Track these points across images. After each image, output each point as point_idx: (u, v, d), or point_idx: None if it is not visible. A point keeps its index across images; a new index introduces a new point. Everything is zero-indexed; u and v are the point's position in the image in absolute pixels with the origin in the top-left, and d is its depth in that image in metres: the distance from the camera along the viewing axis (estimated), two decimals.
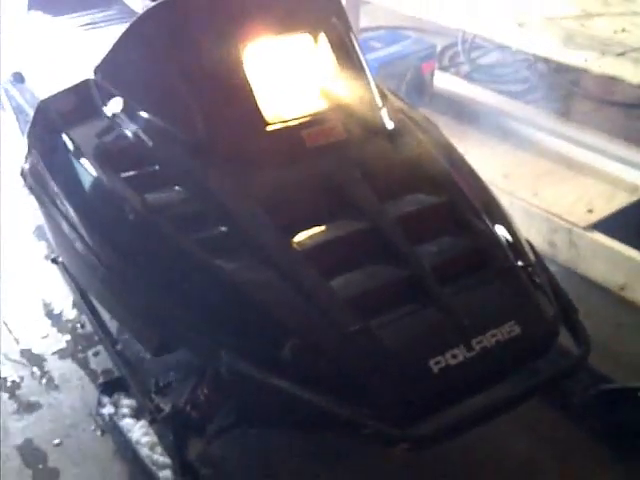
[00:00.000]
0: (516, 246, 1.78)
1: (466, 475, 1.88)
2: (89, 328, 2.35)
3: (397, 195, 1.78)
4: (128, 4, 3.33)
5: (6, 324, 2.42)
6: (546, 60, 3.90)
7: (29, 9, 3.00)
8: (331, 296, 1.55)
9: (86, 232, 1.89)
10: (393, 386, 1.50)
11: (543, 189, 2.65)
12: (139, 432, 1.90)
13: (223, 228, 1.66)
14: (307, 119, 1.79)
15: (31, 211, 2.89)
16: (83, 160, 1.87)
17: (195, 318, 1.66)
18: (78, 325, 2.40)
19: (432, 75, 3.33)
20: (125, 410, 1.97)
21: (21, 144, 2.92)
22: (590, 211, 2.54)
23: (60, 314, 2.45)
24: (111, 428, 1.97)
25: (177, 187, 1.74)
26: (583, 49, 2.19)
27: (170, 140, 1.78)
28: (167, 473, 1.80)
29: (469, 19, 2.42)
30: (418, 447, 1.50)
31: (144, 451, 1.85)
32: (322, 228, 1.69)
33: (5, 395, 2.14)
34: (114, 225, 1.79)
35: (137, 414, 1.95)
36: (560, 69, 3.92)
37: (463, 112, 3.16)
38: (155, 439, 1.87)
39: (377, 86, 1.96)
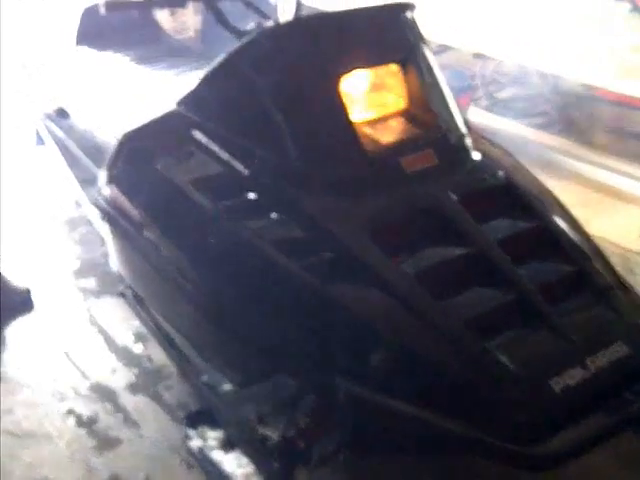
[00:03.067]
0: (608, 268, 1.81)
1: None
2: (157, 362, 2.34)
3: (490, 219, 1.80)
4: (177, 39, 3.38)
5: (69, 356, 2.38)
6: (562, 93, 4.00)
7: (77, 44, 3.02)
8: (450, 317, 1.56)
9: (177, 262, 1.90)
10: (518, 407, 1.50)
11: (593, 218, 2.70)
12: (233, 464, 1.87)
13: (330, 254, 1.67)
14: (403, 146, 1.82)
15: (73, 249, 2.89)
16: (176, 191, 1.88)
17: (305, 345, 1.66)
18: (145, 359, 2.37)
19: (467, 108, 3.39)
20: (213, 442, 1.94)
21: (64, 177, 2.95)
22: None
23: (125, 348, 2.43)
24: (202, 461, 1.94)
25: (277, 215, 1.75)
26: None
27: (267, 169, 1.80)
28: None
29: (527, 51, 2.47)
30: (546, 467, 1.50)
31: None
32: (427, 252, 1.70)
33: (83, 431, 2.11)
34: (214, 254, 1.80)
35: (226, 446, 1.93)
36: (576, 103, 4.02)
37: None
38: (250, 470, 1.85)
39: (462, 114, 1.99)
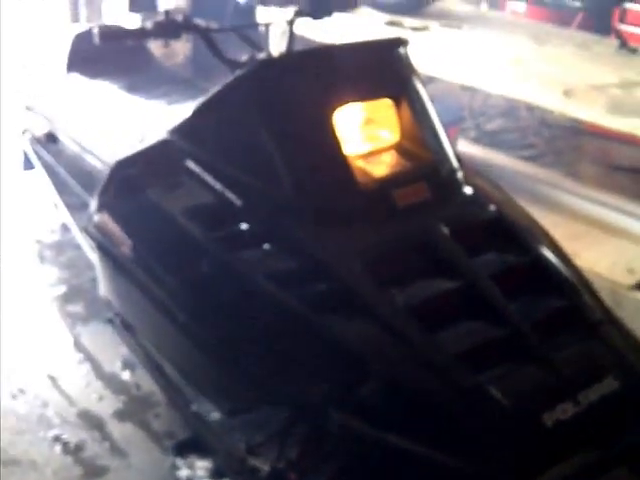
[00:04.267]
0: (599, 303, 1.83)
1: None
2: (145, 390, 2.33)
3: (482, 253, 1.82)
4: (166, 65, 3.39)
5: (56, 383, 2.37)
6: (549, 126, 4.06)
7: (68, 69, 3.03)
8: (441, 351, 1.57)
9: (167, 290, 1.90)
10: (509, 441, 1.51)
11: (581, 251, 2.72)
12: None
13: (322, 285, 1.68)
14: (395, 180, 1.83)
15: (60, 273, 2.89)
16: (168, 219, 1.89)
17: (296, 375, 1.66)
18: (133, 387, 2.36)
19: (457, 140, 3.42)
20: (202, 472, 1.94)
21: (52, 202, 2.94)
22: (631, 271, 2.62)
23: (113, 375, 2.42)
24: None
25: (269, 246, 1.76)
26: (630, 116, 2.28)
27: (260, 200, 1.81)
28: None
29: (515, 86, 2.51)
30: None
31: None
32: (418, 285, 1.70)
33: (69, 459, 2.09)
34: (205, 284, 1.80)
35: (215, 475, 1.92)
36: (563, 135, 4.07)
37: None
38: None
39: (453, 147, 2.01)
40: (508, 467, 1.49)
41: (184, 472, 1.93)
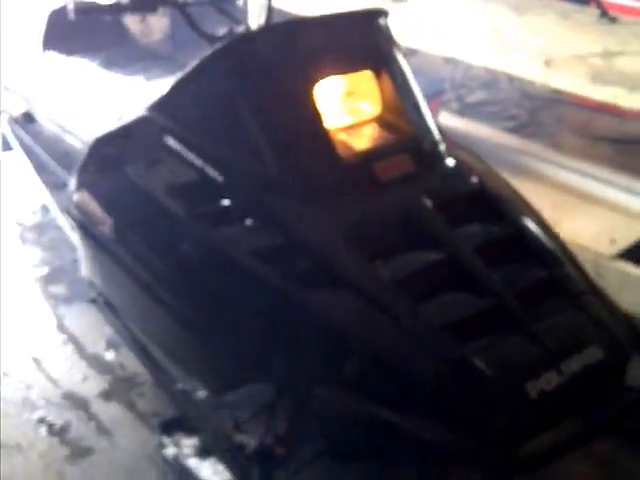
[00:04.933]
0: (582, 273, 1.83)
1: None
2: (129, 369, 2.32)
3: (464, 225, 1.80)
4: (141, 43, 3.35)
5: (40, 364, 2.36)
6: (531, 97, 4.05)
7: (44, 49, 2.98)
8: (425, 322, 1.57)
9: (150, 269, 1.88)
10: (492, 411, 1.51)
11: (563, 221, 2.72)
12: (208, 471, 1.86)
13: (305, 260, 1.67)
14: (377, 153, 1.82)
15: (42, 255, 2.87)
16: (148, 197, 1.87)
17: (281, 351, 1.65)
18: (117, 366, 2.35)
19: (438, 112, 3.41)
20: (188, 449, 1.93)
21: (32, 183, 2.91)
22: (613, 241, 2.62)
23: (97, 355, 2.41)
24: (177, 469, 1.92)
25: (251, 222, 1.75)
26: (611, 85, 2.28)
27: (242, 176, 1.79)
28: None
29: (495, 57, 2.50)
30: (521, 471, 1.51)
31: None
32: (402, 258, 1.69)
33: (55, 440, 2.08)
34: (187, 262, 1.79)
35: (202, 453, 1.91)
36: (545, 106, 4.06)
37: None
38: (226, 477, 1.84)
39: (435, 120, 2.00)
40: (492, 438, 1.49)
41: (171, 450, 1.92)
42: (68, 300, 2.70)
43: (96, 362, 2.39)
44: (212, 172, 1.81)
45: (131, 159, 1.96)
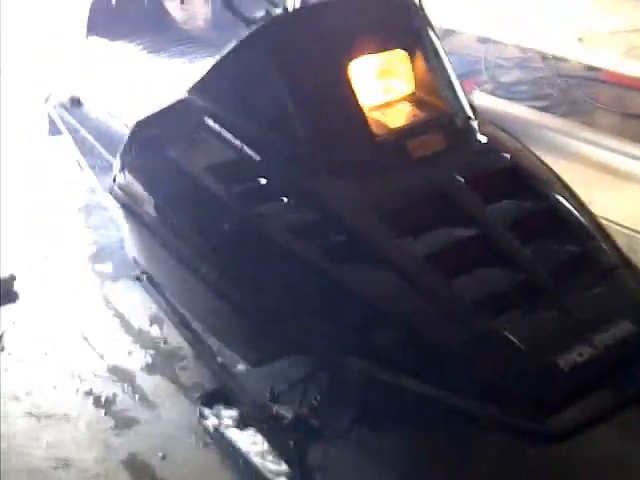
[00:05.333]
0: (614, 248, 1.84)
1: None
2: (172, 344, 2.39)
3: (497, 201, 1.82)
4: (182, 28, 3.41)
5: (87, 339, 2.44)
6: (565, 76, 4.01)
7: (88, 36, 3.06)
8: (458, 296, 1.60)
9: (191, 246, 1.95)
10: (526, 383, 1.53)
11: (597, 197, 2.72)
12: (247, 441, 1.93)
13: (340, 236, 1.72)
14: (410, 130, 1.86)
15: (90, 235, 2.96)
16: (189, 177, 1.93)
17: (317, 324, 1.70)
18: (161, 341, 2.43)
19: (472, 92, 3.41)
20: (228, 421, 1.99)
21: (78, 166, 3.00)
22: None
23: (141, 330, 2.49)
24: (217, 439, 1.99)
25: (288, 199, 1.79)
26: None
27: (278, 154, 1.84)
28: None
29: (528, 35, 2.50)
30: (553, 441, 1.54)
31: (256, 460, 1.88)
32: (435, 234, 1.73)
33: (101, 411, 2.17)
34: (228, 239, 1.84)
35: (241, 424, 1.98)
36: (579, 84, 4.03)
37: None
38: (265, 447, 1.90)
39: (467, 98, 2.03)
40: (526, 409, 1.51)
41: (211, 421, 1.99)
42: (114, 278, 2.77)
43: (140, 337, 2.46)
44: (249, 151, 1.87)
45: (172, 140, 2.02)
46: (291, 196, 1.79)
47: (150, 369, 2.32)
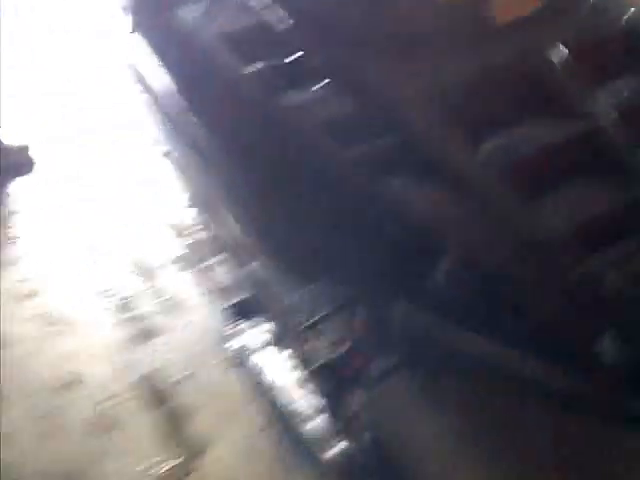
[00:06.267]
0: None
1: None
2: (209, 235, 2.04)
3: (612, 80, 1.35)
4: None
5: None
6: None
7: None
8: (539, 226, 1.21)
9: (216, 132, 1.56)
10: (620, 352, 1.15)
11: None
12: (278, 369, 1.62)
13: (390, 137, 1.29)
14: None
15: None
16: (201, 45, 1.50)
17: (361, 254, 1.33)
18: (198, 228, 2.07)
19: None
20: (258, 340, 1.68)
21: None
22: None
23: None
24: (244, 360, 1.69)
25: (326, 84, 1.35)
26: None
27: (316, 20, 1.39)
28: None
29: None
30: None
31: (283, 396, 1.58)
32: (519, 133, 1.29)
33: (121, 316, 1.88)
34: (251, 134, 1.44)
35: (270, 343, 1.67)
36: None
37: None
38: (296, 377, 1.59)
39: None
40: (612, 381, 1.15)
41: (237, 342, 1.68)
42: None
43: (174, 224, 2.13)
44: (278, 16, 1.41)
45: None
46: (331, 79, 1.35)
47: (182, 264, 1.99)
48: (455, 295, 1.24)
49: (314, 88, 1.35)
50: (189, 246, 2.04)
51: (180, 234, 2.08)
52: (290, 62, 1.39)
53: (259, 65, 1.39)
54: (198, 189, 1.95)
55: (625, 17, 1.44)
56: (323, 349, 1.53)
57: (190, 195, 1.99)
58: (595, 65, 1.34)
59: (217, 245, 1.99)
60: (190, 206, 2.13)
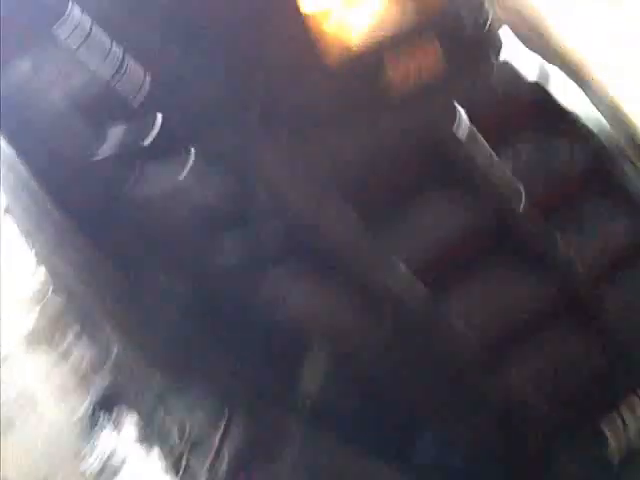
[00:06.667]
0: None
1: None
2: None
3: (519, 142, 1.26)
4: None
5: None
6: None
7: None
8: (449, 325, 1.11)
9: None
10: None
11: None
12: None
13: (278, 225, 1.13)
14: (386, 46, 1.19)
15: None
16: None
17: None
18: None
19: None
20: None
21: None
22: None
23: None
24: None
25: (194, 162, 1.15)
26: None
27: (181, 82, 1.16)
28: None
29: None
30: None
31: None
32: (423, 216, 1.18)
33: None
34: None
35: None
36: None
37: None
38: None
39: None
40: None
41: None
42: None
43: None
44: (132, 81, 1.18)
45: None
46: (198, 159, 1.14)
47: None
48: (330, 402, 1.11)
49: (181, 175, 1.15)
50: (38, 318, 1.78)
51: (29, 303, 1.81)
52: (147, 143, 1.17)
53: (112, 144, 1.16)
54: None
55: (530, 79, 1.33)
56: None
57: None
58: (499, 128, 1.24)
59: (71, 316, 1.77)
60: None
